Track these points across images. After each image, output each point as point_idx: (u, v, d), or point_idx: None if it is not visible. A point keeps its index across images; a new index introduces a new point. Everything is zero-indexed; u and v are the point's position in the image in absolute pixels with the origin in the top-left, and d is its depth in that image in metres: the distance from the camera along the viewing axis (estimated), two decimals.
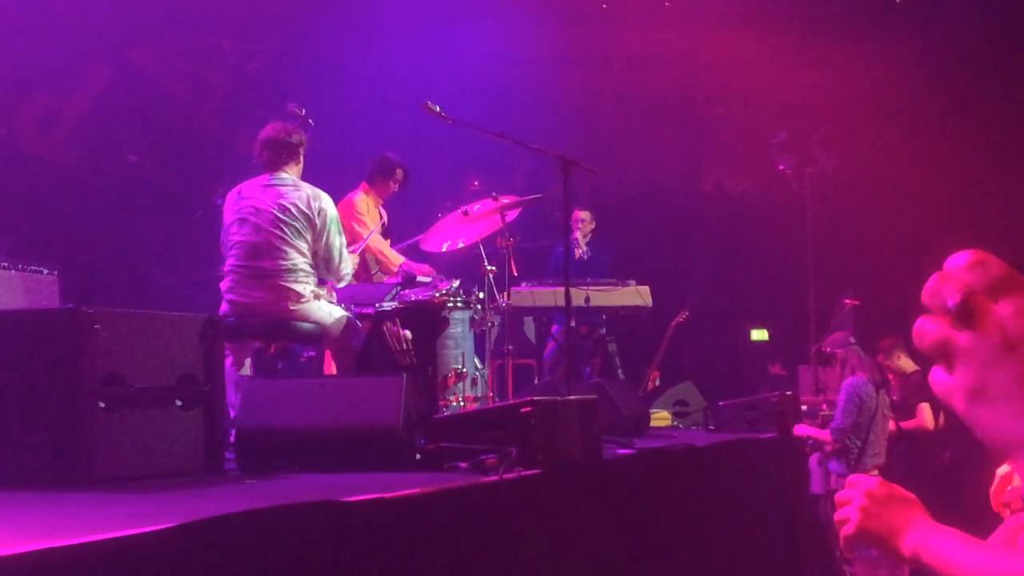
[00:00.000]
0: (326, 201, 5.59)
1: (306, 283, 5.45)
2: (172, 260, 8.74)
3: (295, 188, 5.52)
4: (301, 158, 5.69)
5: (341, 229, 5.71)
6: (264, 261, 5.38)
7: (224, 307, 5.48)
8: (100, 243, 8.74)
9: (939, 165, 10.57)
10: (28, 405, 3.43)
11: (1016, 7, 10.45)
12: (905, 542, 1.67)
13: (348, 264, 5.77)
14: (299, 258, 5.44)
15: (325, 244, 5.55)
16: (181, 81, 9.69)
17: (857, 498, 1.73)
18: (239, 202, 5.54)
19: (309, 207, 5.47)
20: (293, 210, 5.44)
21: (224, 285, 5.51)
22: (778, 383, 9.92)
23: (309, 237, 5.49)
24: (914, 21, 11.04)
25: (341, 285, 5.84)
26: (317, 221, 5.50)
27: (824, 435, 7.26)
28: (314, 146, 6.11)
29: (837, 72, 10.97)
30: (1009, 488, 2.68)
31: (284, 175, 5.56)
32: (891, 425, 7.52)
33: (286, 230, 5.41)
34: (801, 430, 7.21)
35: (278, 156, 5.60)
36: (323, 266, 5.64)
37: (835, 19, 11.07)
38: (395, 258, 6.91)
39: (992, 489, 2.81)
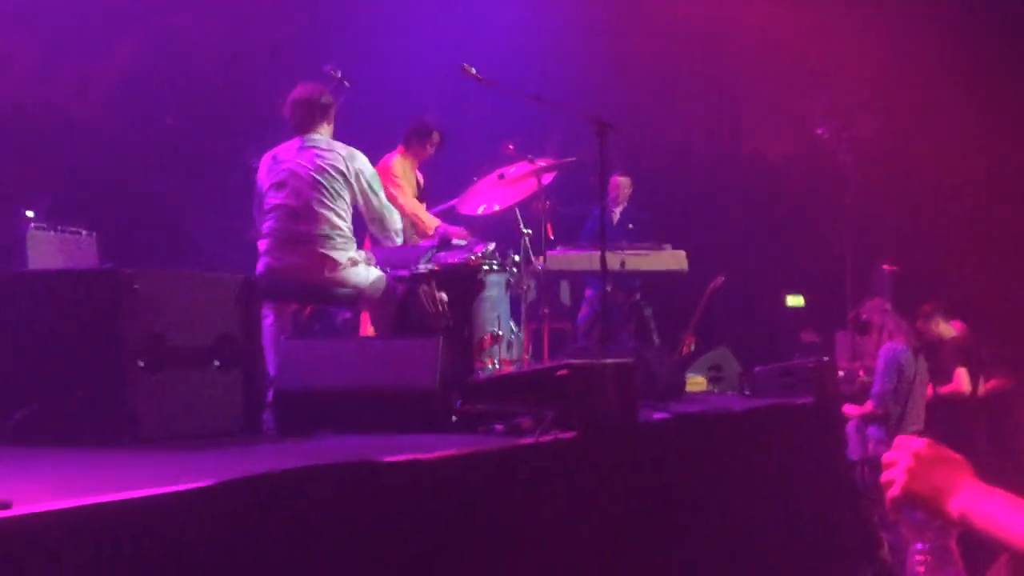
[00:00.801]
0: (361, 160, 5.59)
1: (344, 249, 5.44)
2: (210, 222, 8.78)
3: (330, 149, 5.51)
4: (332, 118, 5.67)
5: (381, 186, 5.71)
6: (302, 225, 5.37)
7: (260, 267, 5.49)
8: (138, 205, 8.79)
9: (981, 131, 10.40)
10: (68, 364, 3.46)
11: None
12: (953, 504, 1.65)
13: (397, 217, 5.78)
14: (338, 220, 5.43)
15: (369, 203, 5.56)
16: (218, 44, 9.69)
17: (904, 459, 1.71)
18: (274, 166, 5.54)
19: (347, 167, 5.48)
20: (331, 171, 5.43)
21: (262, 246, 5.52)
22: (811, 350, 9.85)
23: (347, 197, 5.48)
24: None
25: (399, 241, 5.81)
26: (354, 182, 5.50)
27: (866, 408, 7.20)
28: (350, 108, 6.10)
29: (877, 36, 10.80)
30: None
31: (317, 136, 5.54)
32: (928, 390, 7.47)
33: (325, 192, 5.41)
34: (850, 410, 7.19)
35: (311, 116, 5.57)
36: (377, 227, 5.66)
37: None
38: (430, 221, 6.90)
39: None
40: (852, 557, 5.75)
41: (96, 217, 7.34)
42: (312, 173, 5.41)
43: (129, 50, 9.18)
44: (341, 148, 5.54)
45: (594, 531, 3.48)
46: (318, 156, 5.47)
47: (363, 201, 5.55)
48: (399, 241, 5.83)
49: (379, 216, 5.63)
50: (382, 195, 5.68)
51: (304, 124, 5.57)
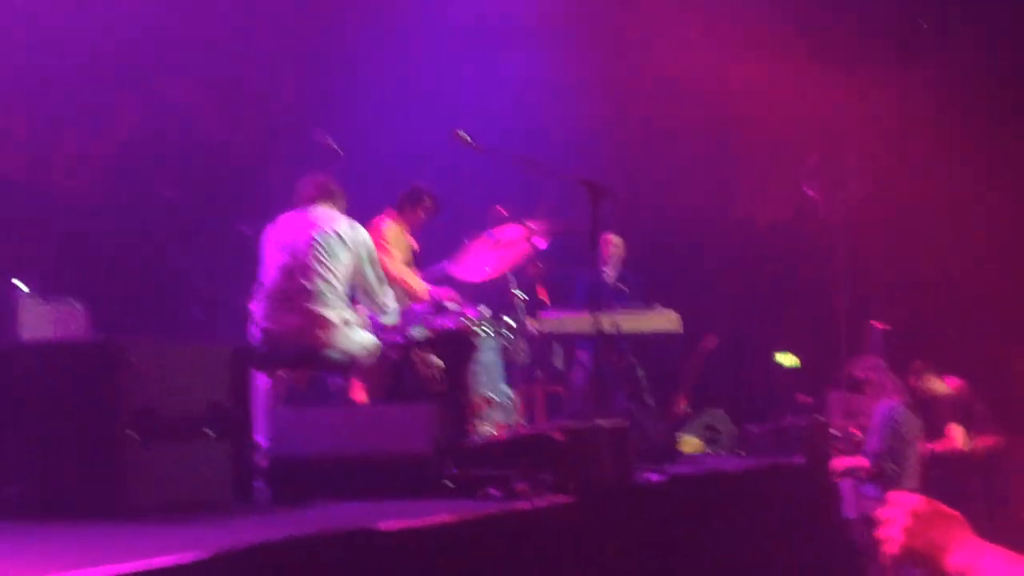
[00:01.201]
0: (365, 233, 5.71)
1: (336, 308, 5.46)
2: (201, 291, 8.78)
3: (333, 217, 5.62)
4: (342, 208, 5.78)
5: (378, 261, 5.76)
6: (296, 281, 5.42)
7: (256, 333, 5.50)
8: (131, 276, 8.79)
9: (970, 191, 10.49)
10: (61, 436, 3.44)
11: None
12: (952, 561, 1.65)
13: (390, 294, 5.81)
14: (333, 280, 5.48)
15: (364, 275, 5.62)
16: (210, 114, 9.77)
17: (901, 516, 1.70)
18: (276, 231, 5.63)
19: (348, 234, 5.56)
20: (331, 232, 5.52)
21: (258, 313, 5.54)
22: (804, 409, 9.84)
23: (345, 260, 5.53)
24: (943, 46, 10.99)
25: (388, 320, 5.83)
26: (353, 248, 5.56)
27: (860, 461, 7.17)
28: (343, 175, 6.16)
29: (866, 98, 10.93)
30: None
31: (322, 207, 5.65)
32: (923, 448, 7.45)
33: (321, 250, 5.47)
34: (840, 463, 7.14)
35: (318, 194, 5.72)
36: (365, 298, 5.71)
37: (863, 45, 11.03)
38: (419, 285, 6.92)
39: None
40: None
41: (89, 289, 7.33)
42: (312, 234, 5.50)
43: (121, 123, 9.24)
44: (345, 219, 5.66)
45: None
46: (321, 220, 5.58)
47: (360, 272, 5.61)
48: (391, 321, 5.84)
49: (370, 289, 5.67)
50: (380, 272, 5.73)
51: (314, 199, 5.68)
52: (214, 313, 8.15)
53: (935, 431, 8.01)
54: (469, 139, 5.71)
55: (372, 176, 8.30)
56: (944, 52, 10.85)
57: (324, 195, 5.72)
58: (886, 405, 7.18)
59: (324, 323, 5.41)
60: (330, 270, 5.47)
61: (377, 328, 5.79)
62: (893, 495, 1.78)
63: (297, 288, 5.42)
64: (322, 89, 10.03)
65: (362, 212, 6.16)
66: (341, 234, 5.55)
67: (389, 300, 5.78)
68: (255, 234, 5.88)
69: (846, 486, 7.22)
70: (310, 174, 5.85)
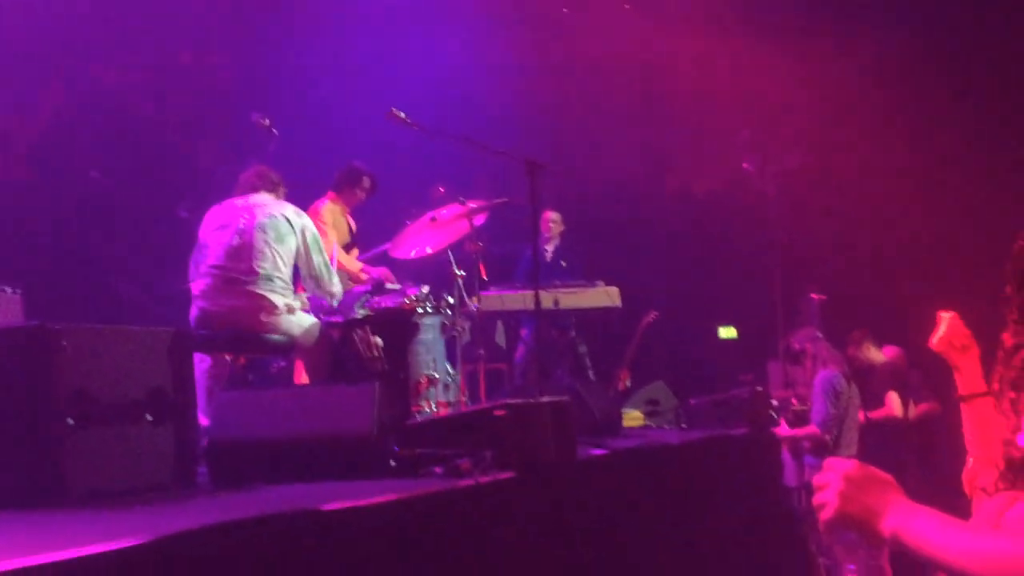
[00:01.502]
0: (308, 220, 5.74)
1: (282, 294, 5.46)
2: (137, 275, 8.66)
3: (278, 202, 5.63)
4: (281, 196, 5.78)
5: (323, 248, 5.75)
6: (243, 263, 5.40)
7: (194, 312, 5.46)
8: (64, 260, 8.65)
9: (900, 161, 10.66)
10: None
11: (974, 6, 10.56)
12: (885, 524, 1.68)
13: (336, 280, 5.80)
14: (280, 264, 5.47)
15: (310, 262, 5.62)
16: (142, 95, 9.61)
17: (835, 481, 1.73)
18: (220, 212, 5.60)
19: (294, 220, 5.57)
20: (279, 218, 5.52)
21: (197, 288, 5.49)
22: (746, 382, 9.97)
23: (292, 247, 5.53)
24: (876, 20, 11.12)
25: (335, 303, 5.83)
26: (298, 236, 5.56)
27: (810, 430, 7.25)
28: (279, 156, 6.12)
29: (799, 71, 11.04)
30: (977, 472, 2.70)
31: (265, 195, 5.66)
32: (859, 416, 7.58)
33: (270, 233, 5.46)
34: (783, 431, 7.24)
35: (261, 183, 5.74)
36: (313, 285, 5.70)
37: (796, 18, 11.14)
38: (352, 264, 6.89)
39: (964, 474, 2.82)
40: None
41: (22, 274, 7.19)
42: (258, 217, 5.49)
43: (50, 103, 9.06)
44: (289, 205, 5.68)
45: (536, 568, 3.47)
46: (266, 205, 5.58)
47: (304, 257, 5.59)
48: (335, 302, 5.84)
49: (317, 275, 5.66)
50: (325, 257, 5.71)
51: (254, 188, 5.69)
52: (151, 296, 8.05)
53: (873, 399, 8.16)
54: (404, 117, 5.69)
55: (308, 157, 8.24)
56: (878, 26, 10.99)
57: (267, 184, 5.73)
58: (825, 375, 7.29)
59: (268, 307, 5.39)
60: (277, 254, 5.46)
61: (317, 309, 5.77)
62: (828, 461, 1.81)
63: (244, 270, 5.40)
64: (256, 69, 9.91)
65: (300, 193, 6.13)
66: (289, 219, 5.55)
67: (336, 286, 5.78)
68: (192, 217, 5.83)
69: (787, 455, 7.33)
70: (252, 165, 5.84)
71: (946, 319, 2.92)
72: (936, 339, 2.92)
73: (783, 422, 7.37)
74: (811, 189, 11.08)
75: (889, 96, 10.68)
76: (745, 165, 11.21)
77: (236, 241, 5.45)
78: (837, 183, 10.85)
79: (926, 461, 8.43)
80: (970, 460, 2.82)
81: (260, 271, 5.40)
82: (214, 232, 5.55)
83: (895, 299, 10.40)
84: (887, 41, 10.86)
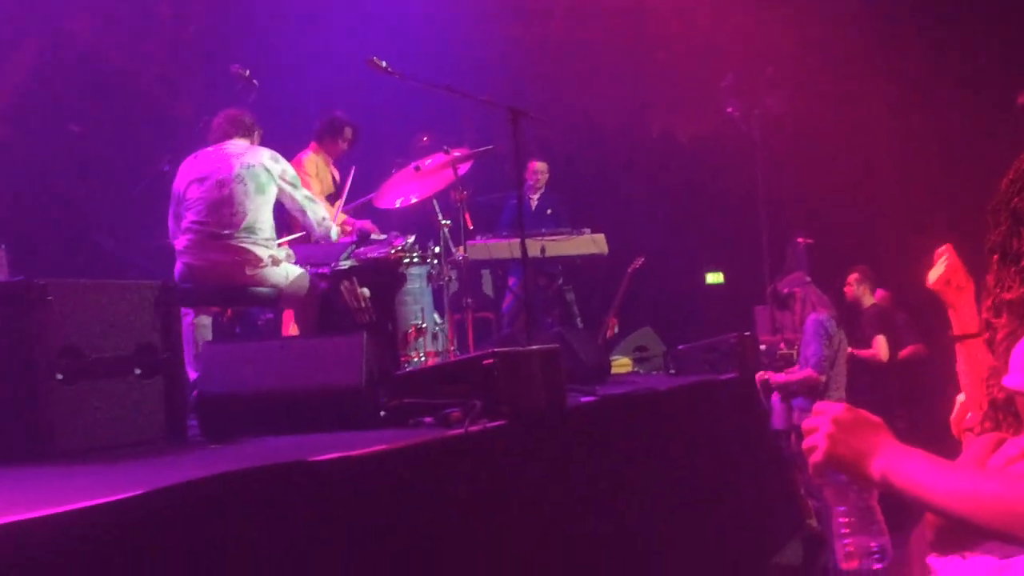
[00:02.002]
0: (284, 161, 5.69)
1: (265, 246, 5.43)
2: (120, 229, 8.62)
3: (254, 150, 5.56)
4: (256, 140, 5.72)
5: (300, 183, 5.74)
6: (225, 216, 5.36)
7: (179, 267, 5.43)
8: (46, 215, 8.60)
9: (885, 105, 10.64)
10: None
11: None
12: (874, 465, 1.69)
13: (320, 207, 5.82)
14: (262, 216, 5.44)
15: (294, 198, 5.59)
16: (119, 49, 9.49)
17: (824, 425, 1.73)
18: (194, 164, 5.54)
19: (271, 166, 5.51)
20: (257, 167, 5.47)
21: (180, 244, 5.46)
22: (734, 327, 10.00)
23: (273, 194, 5.49)
24: None
25: (334, 237, 5.83)
26: (278, 178, 5.51)
27: (806, 373, 7.27)
28: (260, 107, 6.06)
29: (782, 14, 10.98)
30: (969, 415, 2.70)
31: (239, 141, 5.59)
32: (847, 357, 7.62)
33: (250, 184, 5.41)
34: (778, 378, 7.26)
35: (234, 128, 5.67)
36: (301, 218, 5.70)
37: None
38: (337, 217, 6.87)
39: (952, 416, 2.84)
40: (782, 525, 5.86)
41: (3, 229, 7.15)
42: (235, 168, 5.43)
43: (25, 59, 8.94)
44: (264, 150, 5.60)
45: (528, 517, 3.49)
46: (242, 154, 5.52)
47: (288, 197, 5.58)
48: (333, 228, 5.82)
49: (301, 207, 5.66)
50: (304, 191, 5.72)
51: (227, 134, 5.61)
52: (134, 250, 8.01)
53: (860, 342, 8.22)
54: (385, 65, 5.63)
55: (290, 107, 8.17)
56: None
57: (240, 130, 5.65)
58: (816, 318, 7.30)
59: (253, 260, 5.36)
60: (259, 206, 5.42)
61: (303, 260, 5.75)
62: (817, 405, 1.81)
63: (225, 223, 5.36)
64: (233, 19, 9.79)
65: (281, 143, 6.08)
66: (267, 167, 5.49)
67: (322, 212, 5.79)
68: (173, 170, 5.79)
69: (775, 399, 7.36)
70: (225, 109, 5.75)
71: (944, 258, 2.83)
72: (933, 277, 2.83)
73: (771, 370, 7.40)
74: (796, 133, 11.07)
75: (875, 39, 10.64)
76: (729, 110, 11.18)
77: (215, 195, 5.40)
78: (823, 128, 10.83)
79: (914, 402, 8.50)
80: (957, 401, 2.83)
81: (242, 224, 5.37)
82: (191, 185, 5.49)
83: (881, 241, 10.43)
84: None
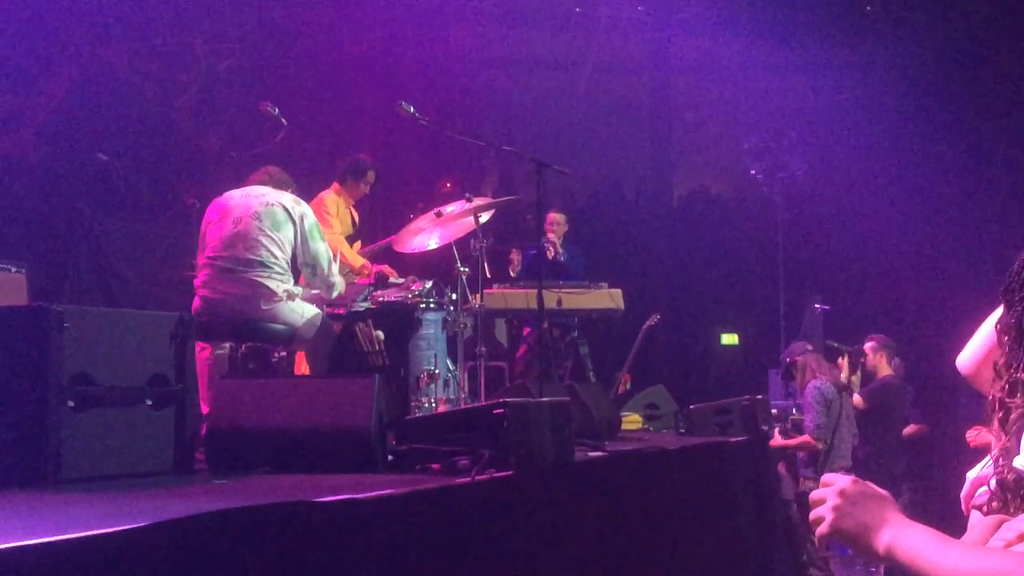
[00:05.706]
0: (307, 208, 5.68)
1: (280, 280, 5.44)
2: (142, 259, 8.67)
3: (277, 193, 5.60)
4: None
5: (323, 237, 5.71)
6: (240, 251, 5.38)
7: (196, 303, 5.46)
8: (69, 242, 8.66)
9: (908, 171, 10.66)
10: None
11: (983, 14, 10.55)
12: (879, 540, 1.68)
13: (336, 271, 5.74)
14: (278, 251, 5.44)
15: (308, 249, 5.55)
16: (152, 80, 9.62)
17: (831, 497, 1.73)
18: (220, 203, 5.59)
19: (292, 208, 5.52)
20: (276, 206, 5.50)
21: (198, 280, 5.50)
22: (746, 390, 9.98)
23: (290, 234, 5.50)
24: (885, 28, 11.12)
25: (334, 295, 5.75)
26: (297, 221, 5.52)
27: (803, 439, 7.27)
28: (286, 146, 6.12)
29: (808, 78, 11.04)
30: (980, 492, 2.68)
31: (266, 187, 5.63)
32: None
33: (265, 221, 5.43)
34: (775, 442, 7.23)
35: (270, 180, 5.73)
36: (309, 273, 5.64)
37: (806, 26, 11.13)
38: (355, 259, 6.88)
39: (963, 493, 2.81)
40: None
41: (26, 254, 7.20)
42: (256, 207, 5.47)
43: (60, 85, 9.06)
44: (288, 195, 5.62)
45: (531, 570, 3.47)
46: (265, 195, 5.55)
47: (302, 244, 5.55)
48: (333, 294, 5.76)
49: (314, 261, 5.59)
50: (324, 245, 5.65)
51: (260, 183, 5.71)
52: (156, 283, 8.05)
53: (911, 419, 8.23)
54: (413, 111, 5.68)
55: (316, 147, 8.25)
56: (889, 37, 10.98)
57: (275, 183, 5.69)
58: (815, 384, 7.32)
59: (267, 294, 5.38)
60: (275, 241, 5.44)
61: (320, 300, 5.76)
62: (825, 477, 1.81)
63: (241, 258, 5.38)
64: (267, 58, 9.92)
65: (305, 183, 6.14)
66: (286, 207, 5.52)
67: (335, 277, 5.73)
68: (199, 205, 5.84)
69: (781, 467, 7.34)
70: (267, 165, 5.84)
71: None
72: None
73: (776, 432, 7.37)
74: (818, 197, 11.08)
75: (899, 105, 10.68)
76: (752, 171, 11.22)
77: (232, 230, 5.43)
78: (845, 192, 10.85)
79: (919, 477, 8.45)
80: (968, 477, 2.80)
81: (256, 258, 5.38)
82: (212, 224, 5.54)
83: (900, 307, 10.39)
84: (898, 50, 10.85)
